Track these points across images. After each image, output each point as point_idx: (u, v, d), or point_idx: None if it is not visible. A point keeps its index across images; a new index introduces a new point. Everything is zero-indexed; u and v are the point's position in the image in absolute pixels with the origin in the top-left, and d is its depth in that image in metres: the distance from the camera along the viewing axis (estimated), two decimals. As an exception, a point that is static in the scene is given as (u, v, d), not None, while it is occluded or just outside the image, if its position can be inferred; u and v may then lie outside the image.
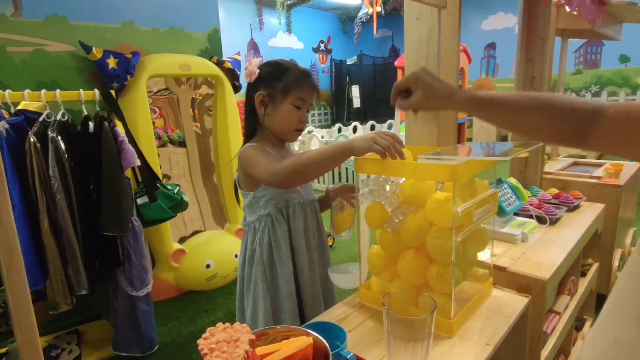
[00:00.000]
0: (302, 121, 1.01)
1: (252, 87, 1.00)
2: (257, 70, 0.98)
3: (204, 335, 0.47)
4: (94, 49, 1.91)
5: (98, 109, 1.66)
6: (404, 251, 0.78)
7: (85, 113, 1.60)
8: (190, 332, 1.88)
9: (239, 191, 1.05)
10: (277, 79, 0.97)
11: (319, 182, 4.71)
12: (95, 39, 2.02)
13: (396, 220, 0.76)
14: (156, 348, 1.72)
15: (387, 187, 0.80)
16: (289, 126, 1.00)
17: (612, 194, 1.66)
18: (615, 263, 1.79)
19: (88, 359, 1.66)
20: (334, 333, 0.64)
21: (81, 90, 1.62)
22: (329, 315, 0.82)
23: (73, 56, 1.97)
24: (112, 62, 1.96)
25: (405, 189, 0.74)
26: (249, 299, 1.03)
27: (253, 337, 0.44)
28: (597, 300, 1.66)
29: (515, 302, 0.82)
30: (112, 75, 1.96)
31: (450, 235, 0.69)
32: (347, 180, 4.57)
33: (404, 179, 0.78)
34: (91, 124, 1.55)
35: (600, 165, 2.03)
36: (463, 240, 0.73)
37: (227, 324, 0.48)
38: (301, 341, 0.50)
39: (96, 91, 1.66)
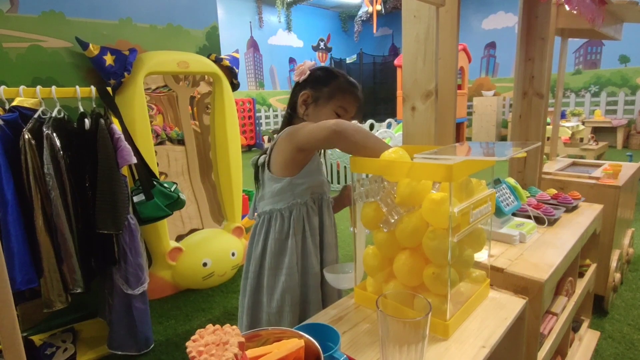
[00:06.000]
0: None
1: (299, 86, 1.03)
2: (308, 72, 1.01)
3: (192, 338, 0.46)
4: (90, 45, 1.90)
5: (94, 106, 1.65)
6: (399, 252, 0.77)
7: (82, 110, 1.59)
8: (187, 331, 1.88)
9: (268, 176, 1.01)
10: (325, 83, 1.00)
11: (332, 183, 4.68)
12: (93, 35, 2.00)
13: (392, 220, 0.75)
14: (152, 347, 1.71)
15: (383, 187, 0.79)
16: None
17: (611, 194, 1.66)
18: (613, 264, 1.78)
19: (83, 357, 1.65)
20: (327, 335, 0.64)
21: (77, 86, 1.61)
22: (324, 316, 0.81)
23: (70, 52, 1.95)
24: (109, 59, 1.94)
25: (401, 189, 0.73)
26: (275, 293, 0.98)
27: (243, 339, 0.44)
28: (594, 301, 1.65)
29: (512, 304, 0.81)
30: (109, 72, 1.94)
31: (447, 236, 0.68)
32: (345, 179, 4.56)
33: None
34: (87, 121, 1.54)
35: (599, 165, 2.03)
36: (460, 241, 0.72)
37: (217, 326, 0.47)
38: (292, 343, 0.49)
39: (92, 88, 1.64)
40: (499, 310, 0.79)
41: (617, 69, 6.93)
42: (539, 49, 1.54)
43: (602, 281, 1.73)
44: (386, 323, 0.58)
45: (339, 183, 4.60)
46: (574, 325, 1.53)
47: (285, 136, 0.97)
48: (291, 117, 1.05)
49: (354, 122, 0.97)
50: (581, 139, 5.59)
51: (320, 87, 0.99)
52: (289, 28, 9.17)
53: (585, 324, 1.60)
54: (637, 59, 6.73)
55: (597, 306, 1.76)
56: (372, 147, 0.81)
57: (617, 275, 1.85)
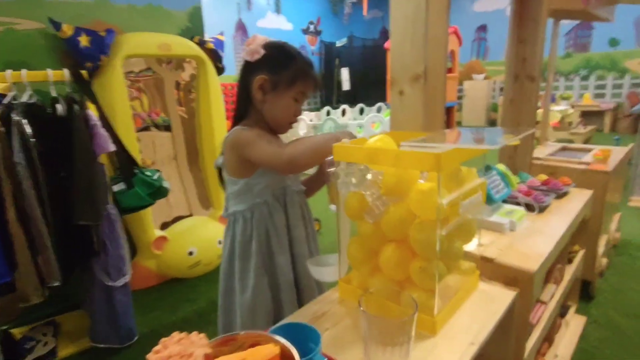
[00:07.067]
0: (297, 115, 0.95)
1: (251, 67, 0.91)
2: (262, 51, 0.90)
3: (155, 348, 0.42)
4: (64, 25, 1.79)
5: (69, 90, 1.56)
6: (385, 244, 0.73)
7: (54, 95, 1.50)
8: (172, 322, 1.84)
9: (226, 178, 0.97)
10: (284, 67, 0.90)
11: None
12: (67, 15, 1.89)
13: (377, 211, 0.71)
14: (136, 338, 1.67)
15: (368, 176, 0.75)
16: (285, 119, 0.94)
17: (600, 180, 1.64)
18: (601, 249, 1.78)
19: (65, 351, 1.61)
20: (308, 335, 0.60)
21: (49, 69, 1.52)
22: (307, 312, 0.78)
23: (43, 34, 1.84)
24: (84, 40, 1.84)
25: (386, 179, 0.69)
26: (246, 296, 0.95)
27: (209, 350, 0.40)
28: (581, 286, 1.66)
29: (502, 297, 0.79)
30: (84, 55, 1.84)
31: (435, 228, 0.64)
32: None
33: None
34: (59, 107, 1.46)
35: (589, 150, 2.01)
36: (449, 233, 0.68)
37: (184, 334, 0.43)
38: (267, 350, 0.45)
39: (65, 71, 1.55)
40: (489, 304, 0.77)
41: (607, 52, 6.92)
42: (531, 31, 1.49)
43: (589, 266, 1.73)
44: (370, 324, 0.55)
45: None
46: (561, 311, 1.54)
47: (230, 145, 0.90)
48: (246, 106, 0.94)
49: (343, 106, 0.93)
50: (570, 123, 5.61)
51: (279, 70, 0.89)
52: (277, 10, 8.94)
53: (572, 310, 1.60)
54: (626, 42, 6.72)
55: (583, 291, 1.77)
56: (322, 147, 0.84)
57: (604, 260, 1.85)
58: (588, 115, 6.41)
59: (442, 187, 0.63)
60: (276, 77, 0.90)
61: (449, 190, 0.66)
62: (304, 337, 0.59)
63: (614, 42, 6.83)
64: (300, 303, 1.00)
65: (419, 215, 0.67)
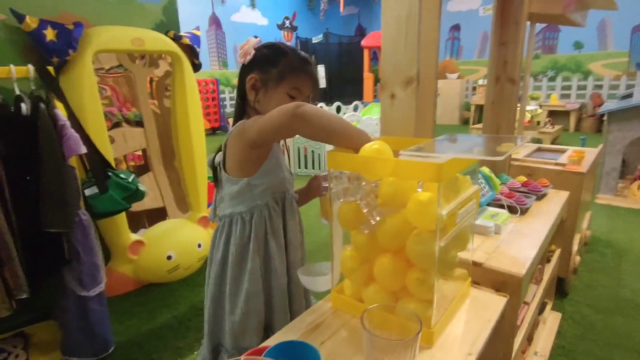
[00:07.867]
0: None
1: (245, 69, 0.92)
2: (253, 52, 0.90)
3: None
4: (27, 17, 1.67)
5: (34, 87, 1.46)
6: (380, 254, 0.71)
7: (17, 92, 1.40)
8: (150, 330, 1.77)
9: (225, 177, 0.93)
10: (272, 64, 0.89)
11: (299, 167, 4.58)
12: (31, 6, 1.77)
13: (373, 221, 0.70)
14: (112, 349, 1.59)
15: (363, 185, 0.73)
16: None
17: (576, 180, 1.70)
18: (575, 248, 1.85)
19: (34, 365, 1.52)
20: (307, 352, 0.58)
21: (12, 65, 1.41)
22: (301, 324, 0.75)
23: (4, 26, 1.71)
24: (50, 34, 1.72)
25: (384, 188, 0.68)
26: (240, 300, 0.92)
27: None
28: (557, 284, 1.71)
29: (493, 303, 0.79)
30: (51, 49, 1.73)
31: (433, 239, 0.63)
32: (313, 164, 4.49)
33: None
34: (24, 106, 1.36)
35: (562, 151, 2.08)
36: (446, 243, 0.67)
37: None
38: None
39: (30, 67, 1.45)
40: (482, 311, 0.77)
41: (572, 55, 7.22)
42: (512, 34, 1.52)
43: (564, 265, 1.79)
44: (372, 343, 0.53)
45: (306, 168, 4.53)
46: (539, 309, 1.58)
47: (236, 134, 0.88)
48: (243, 107, 0.95)
49: (320, 104, 0.89)
50: (538, 122, 5.81)
51: (268, 68, 0.89)
52: (252, 5, 8.79)
53: (548, 307, 1.65)
54: (589, 45, 7.03)
55: (559, 289, 1.83)
56: (341, 132, 0.74)
57: (578, 258, 1.92)
58: (554, 115, 6.67)
59: (442, 197, 0.62)
60: (266, 75, 0.89)
61: (447, 200, 0.65)
62: (304, 355, 0.57)
63: (578, 45, 7.13)
64: (290, 309, 0.99)
65: (417, 225, 0.66)
